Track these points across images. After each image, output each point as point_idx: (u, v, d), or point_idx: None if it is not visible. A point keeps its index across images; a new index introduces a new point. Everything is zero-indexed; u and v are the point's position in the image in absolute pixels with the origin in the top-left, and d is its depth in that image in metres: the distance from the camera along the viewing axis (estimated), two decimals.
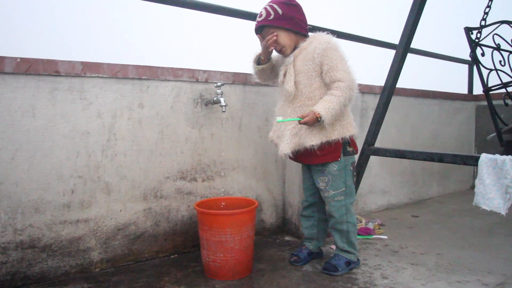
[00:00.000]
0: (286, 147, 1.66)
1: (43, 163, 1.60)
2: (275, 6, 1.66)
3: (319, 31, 1.79)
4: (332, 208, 1.74)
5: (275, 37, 1.66)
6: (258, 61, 1.79)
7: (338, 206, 1.72)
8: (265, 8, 1.68)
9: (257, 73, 1.81)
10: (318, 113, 1.55)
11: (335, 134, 1.65)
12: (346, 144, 1.72)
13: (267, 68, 1.78)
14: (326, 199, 1.75)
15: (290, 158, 1.75)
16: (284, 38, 1.68)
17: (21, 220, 1.56)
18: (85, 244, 1.71)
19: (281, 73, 1.72)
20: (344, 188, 1.72)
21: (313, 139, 1.63)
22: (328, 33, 1.71)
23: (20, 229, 1.56)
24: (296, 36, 1.71)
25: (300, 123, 1.59)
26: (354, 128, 1.71)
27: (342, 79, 1.59)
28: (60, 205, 1.64)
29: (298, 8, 1.73)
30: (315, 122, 1.57)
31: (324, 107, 1.56)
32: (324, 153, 1.67)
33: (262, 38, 1.71)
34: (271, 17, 1.66)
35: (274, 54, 1.79)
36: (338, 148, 1.69)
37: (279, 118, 1.66)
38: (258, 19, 1.70)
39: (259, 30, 1.73)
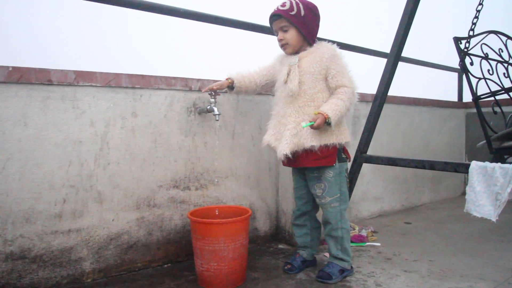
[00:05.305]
0: (285, 147, 1.66)
1: (34, 172, 1.58)
2: (301, 5, 1.68)
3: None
4: (329, 214, 1.75)
5: None
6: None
7: (334, 213, 1.74)
8: (291, 1, 1.69)
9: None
10: (327, 115, 1.58)
11: (333, 138, 1.68)
12: (341, 151, 1.76)
13: (240, 87, 1.85)
14: (323, 205, 1.77)
15: (284, 164, 1.76)
16: (292, 36, 1.72)
17: (12, 230, 1.54)
18: (76, 254, 1.69)
19: (285, 72, 1.73)
20: (339, 195, 1.75)
21: (313, 140, 1.65)
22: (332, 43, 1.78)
23: (10, 240, 1.54)
24: (303, 41, 1.74)
25: (313, 127, 1.59)
26: (348, 136, 1.76)
27: (347, 85, 1.66)
28: (52, 214, 1.62)
29: (317, 19, 1.77)
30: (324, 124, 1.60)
31: (331, 109, 1.60)
32: (321, 156, 1.69)
33: (274, 27, 1.76)
34: (293, 12, 1.67)
35: (276, 55, 1.87)
36: (334, 153, 1.72)
37: (304, 123, 1.61)
38: (280, 7, 1.70)
39: (274, 18, 1.74)
